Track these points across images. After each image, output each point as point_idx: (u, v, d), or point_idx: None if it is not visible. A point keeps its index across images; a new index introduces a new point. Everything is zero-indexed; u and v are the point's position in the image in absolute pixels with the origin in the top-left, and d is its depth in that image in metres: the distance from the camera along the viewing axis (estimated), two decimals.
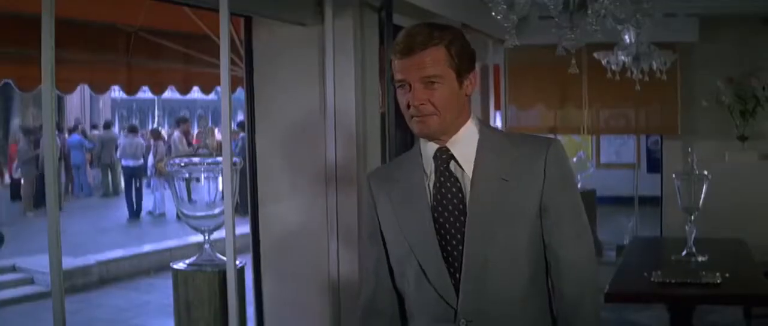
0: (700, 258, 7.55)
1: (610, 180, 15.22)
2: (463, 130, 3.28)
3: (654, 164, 15.81)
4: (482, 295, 3.20)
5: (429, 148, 3.29)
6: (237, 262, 4.91)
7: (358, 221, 6.05)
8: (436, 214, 3.24)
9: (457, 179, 3.25)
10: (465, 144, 3.28)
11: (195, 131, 24.18)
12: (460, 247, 3.21)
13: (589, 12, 4.70)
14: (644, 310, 9.61)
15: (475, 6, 4.77)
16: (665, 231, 11.79)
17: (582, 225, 3.37)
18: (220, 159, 5.03)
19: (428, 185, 3.29)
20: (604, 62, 8.19)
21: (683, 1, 9.85)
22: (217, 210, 5.28)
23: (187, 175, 5.40)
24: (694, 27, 11.10)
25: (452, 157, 3.26)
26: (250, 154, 6.28)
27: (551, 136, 12.72)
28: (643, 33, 7.67)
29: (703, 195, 7.53)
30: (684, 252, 7.64)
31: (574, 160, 13.03)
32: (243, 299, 5.17)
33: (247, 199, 6.35)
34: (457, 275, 3.22)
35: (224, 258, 4.93)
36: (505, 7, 4.46)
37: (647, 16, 6.54)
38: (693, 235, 7.65)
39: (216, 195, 5.35)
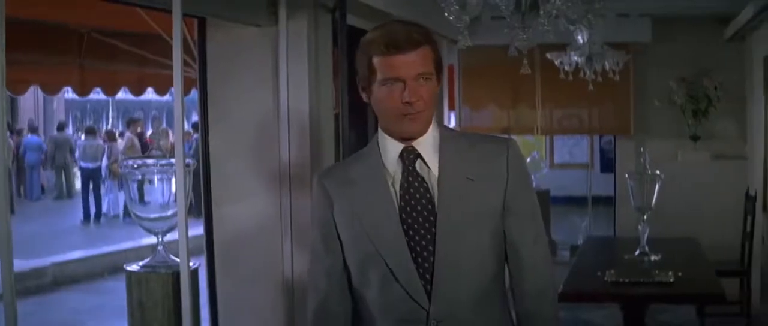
0: (653, 258, 7.61)
1: (563, 181, 15.29)
2: (429, 129, 3.26)
3: (607, 164, 15.91)
4: (454, 295, 3.20)
5: (393, 148, 3.25)
6: (191, 264, 4.88)
7: (311, 222, 6.05)
8: (404, 215, 3.20)
9: (423, 179, 3.23)
10: (429, 144, 3.26)
11: (148, 132, 24.06)
12: (430, 247, 3.19)
13: (541, 12, 4.71)
14: (598, 310, 9.66)
15: (429, 6, 4.78)
16: (619, 230, 11.86)
17: (540, 225, 3.42)
18: (173, 160, 5.00)
19: (393, 185, 3.25)
20: (557, 62, 8.23)
21: (636, 2, 9.91)
22: (170, 212, 5.24)
23: (139, 177, 5.37)
24: (647, 27, 11.17)
25: (419, 156, 3.25)
26: (204, 155, 6.25)
27: (505, 136, 12.78)
28: (596, 33, 7.72)
29: (655, 195, 7.59)
30: (637, 252, 7.70)
31: (528, 160, 13.07)
32: (197, 300, 5.14)
33: (201, 201, 6.34)
34: (427, 275, 3.19)
35: (178, 260, 4.91)
36: (457, 7, 4.47)
37: (600, 17, 6.59)
38: (646, 235, 7.71)
39: (169, 197, 5.32)
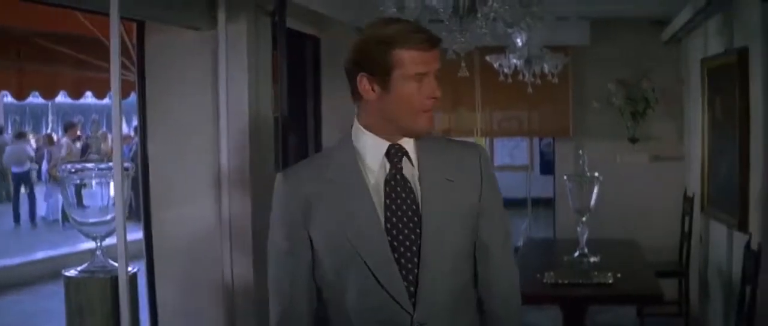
0: (592, 259, 7.67)
1: (503, 183, 15.18)
2: None
3: (547, 166, 15.99)
4: (436, 298, 3.17)
5: (377, 145, 3.19)
6: (129, 268, 4.85)
7: (251, 226, 6.04)
8: (389, 213, 3.15)
9: (407, 179, 3.20)
10: (411, 144, 3.24)
11: (85, 136, 23.88)
12: (414, 248, 3.14)
13: (479, 15, 4.73)
14: (538, 311, 9.70)
15: (367, 10, 4.79)
16: (558, 232, 11.91)
17: (509, 227, 3.47)
18: (111, 164, 4.97)
19: (376, 185, 3.19)
20: (496, 65, 8.26)
21: (575, 5, 9.96)
22: (109, 216, 5.21)
23: (78, 181, 5.33)
24: (585, 30, 11.22)
25: (406, 154, 3.22)
26: (143, 158, 6.22)
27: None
28: (535, 36, 7.76)
29: (594, 197, 7.65)
30: (576, 253, 7.75)
31: None
32: (136, 305, 5.11)
33: (141, 205, 6.30)
34: (411, 277, 3.14)
35: (116, 264, 4.87)
36: (395, 10, 4.49)
37: (538, 20, 6.62)
38: (585, 236, 7.77)
39: (108, 201, 5.28)
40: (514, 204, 14.54)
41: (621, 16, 11.12)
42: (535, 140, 16.99)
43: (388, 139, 3.19)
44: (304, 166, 3.37)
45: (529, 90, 8.20)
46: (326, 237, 3.18)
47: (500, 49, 8.27)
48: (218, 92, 6.03)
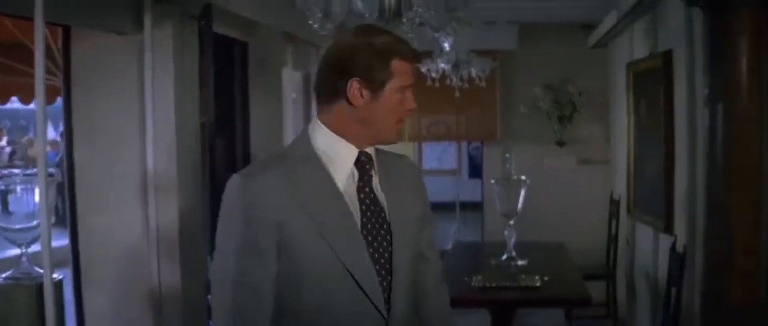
0: (520, 262, 7.70)
1: (432, 187, 15.22)
2: None
3: (475, 170, 16.04)
4: (403, 304, 3.18)
5: (348, 153, 3.12)
6: (55, 275, 4.81)
7: (179, 232, 6.01)
8: (365, 220, 3.11)
9: (373, 187, 3.19)
10: (371, 152, 3.21)
11: (4, 141, 23.62)
12: (387, 255, 3.13)
13: (405, 20, 4.74)
14: (467, 314, 9.72)
15: (297, 15, 4.78)
16: (487, 235, 11.98)
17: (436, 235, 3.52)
18: (37, 169, 4.92)
19: (346, 191, 3.11)
20: (424, 70, 8.28)
21: (502, 9, 10.02)
22: (34, 223, 5.16)
23: (3, 187, 5.28)
24: (513, 34, 11.32)
25: (372, 160, 3.20)
26: (69, 165, 6.15)
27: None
28: (463, 41, 7.79)
29: (521, 200, 7.68)
30: (504, 256, 7.79)
31: None
32: (62, 313, 5.07)
33: (67, 211, 6.24)
34: (384, 284, 3.11)
35: (41, 271, 4.83)
36: (321, 15, 4.48)
37: (465, 24, 6.64)
38: (512, 239, 7.80)
39: (34, 208, 5.24)
40: (442, 208, 14.57)
41: (548, 21, 11.21)
42: (464, 144, 17.05)
43: (357, 146, 3.12)
44: (266, 170, 3.11)
45: (457, 94, 8.23)
46: (304, 245, 3.02)
47: (428, 54, 8.30)
48: (144, 97, 5.98)
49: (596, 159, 11.64)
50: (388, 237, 3.15)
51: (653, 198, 8.00)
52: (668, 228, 7.44)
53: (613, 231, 10.05)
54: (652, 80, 7.93)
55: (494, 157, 11.52)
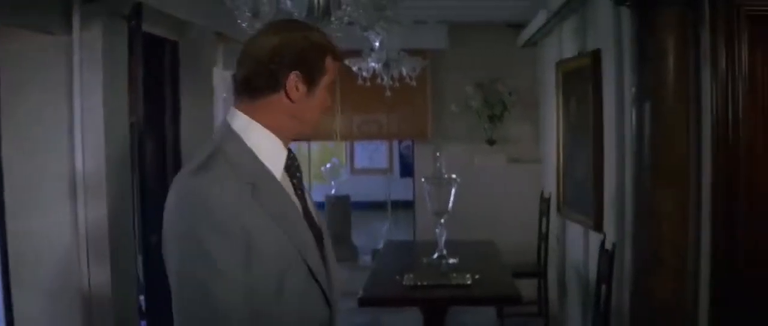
0: (451, 261, 7.72)
1: (363, 186, 15.35)
2: None
3: (407, 168, 16.06)
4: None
5: (278, 149, 3.05)
6: None
7: (108, 233, 5.96)
8: (305, 212, 3.09)
9: (302, 184, 3.18)
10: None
11: None
12: (320, 245, 3.09)
13: (333, 19, 4.74)
14: (399, 313, 9.75)
15: (228, 14, 4.76)
16: (418, 234, 11.99)
17: None
18: None
19: (288, 189, 3.07)
20: (355, 69, 8.28)
21: (433, 9, 10.04)
22: None
23: None
24: (443, 33, 11.34)
25: (296, 158, 3.17)
26: None
27: (304, 143, 12.82)
28: (393, 40, 7.80)
29: (452, 199, 7.70)
30: (435, 255, 7.80)
31: (328, 166, 13.12)
32: None
33: None
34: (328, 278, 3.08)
35: None
36: (249, 15, 4.47)
37: (395, 23, 6.65)
38: (443, 238, 7.82)
39: None
40: (374, 207, 14.61)
41: (478, 20, 11.26)
42: (395, 143, 17.08)
43: (283, 141, 3.06)
44: (219, 171, 2.88)
45: (388, 93, 8.24)
46: (271, 244, 2.88)
47: (358, 53, 8.30)
48: (73, 97, 5.92)
49: (526, 158, 11.70)
50: (320, 228, 3.13)
51: (583, 197, 8.06)
52: (598, 227, 7.50)
53: (544, 229, 10.11)
54: (581, 79, 7.99)
55: (425, 156, 11.55)
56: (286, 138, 3.07)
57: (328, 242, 3.17)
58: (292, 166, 3.10)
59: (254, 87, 3.01)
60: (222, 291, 2.76)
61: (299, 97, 3.00)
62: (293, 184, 3.10)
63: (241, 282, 2.78)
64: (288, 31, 3.05)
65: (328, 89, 3.08)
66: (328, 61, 3.04)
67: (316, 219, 3.15)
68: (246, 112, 3.02)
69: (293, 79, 2.98)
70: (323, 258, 3.08)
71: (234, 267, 2.78)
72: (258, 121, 3.02)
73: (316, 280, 2.99)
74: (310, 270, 2.97)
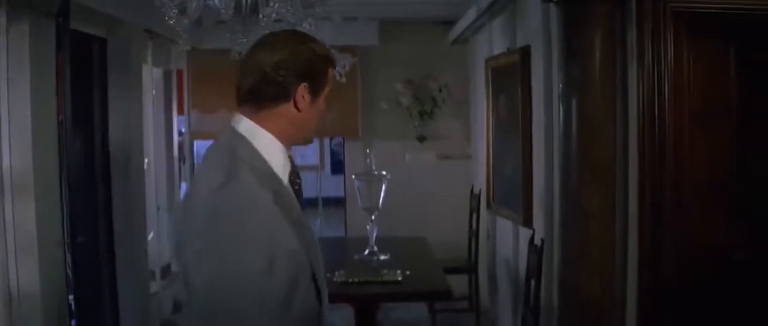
0: (382, 257, 7.73)
1: None
2: None
3: (337, 166, 16.06)
4: None
5: (282, 154, 3.15)
6: None
7: (36, 231, 5.91)
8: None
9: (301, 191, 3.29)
10: None
11: None
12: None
13: (261, 16, 4.73)
14: (331, 309, 9.72)
15: (157, 11, 4.74)
16: (349, 231, 11.99)
17: None
18: None
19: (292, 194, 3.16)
20: None
21: (363, 5, 10.03)
22: None
23: None
24: (373, 30, 11.34)
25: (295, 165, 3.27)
26: None
27: None
28: (323, 36, 7.78)
29: (382, 195, 7.71)
30: (366, 251, 7.81)
31: None
32: None
33: None
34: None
35: None
36: (176, 12, 4.45)
37: (325, 20, 6.64)
38: (374, 234, 7.83)
39: None
40: (305, 204, 14.56)
41: (409, 17, 11.28)
42: (326, 140, 17.07)
43: (286, 148, 3.16)
44: (248, 179, 2.95)
45: None
46: (292, 250, 2.93)
47: None
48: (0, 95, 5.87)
49: (457, 154, 11.75)
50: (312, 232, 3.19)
51: (512, 193, 8.11)
52: (527, 222, 7.55)
53: (474, 225, 10.16)
54: (510, 76, 8.03)
55: (356, 153, 11.54)
56: (287, 144, 3.16)
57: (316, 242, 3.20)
58: (293, 173, 3.19)
59: (261, 96, 3.08)
60: (250, 303, 2.80)
61: (305, 107, 3.10)
62: (294, 191, 3.18)
63: (264, 290, 2.81)
64: (295, 43, 3.12)
65: (326, 99, 3.20)
66: (330, 72, 3.18)
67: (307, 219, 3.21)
68: (253, 120, 3.10)
69: (301, 90, 3.08)
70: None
71: (260, 276, 2.80)
72: (267, 129, 3.10)
73: (315, 280, 3.06)
74: (313, 272, 3.04)
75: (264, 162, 3.05)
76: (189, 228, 2.97)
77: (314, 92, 3.11)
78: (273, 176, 3.05)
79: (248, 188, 2.91)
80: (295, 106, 3.08)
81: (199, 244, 2.88)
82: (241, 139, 3.06)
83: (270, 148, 3.08)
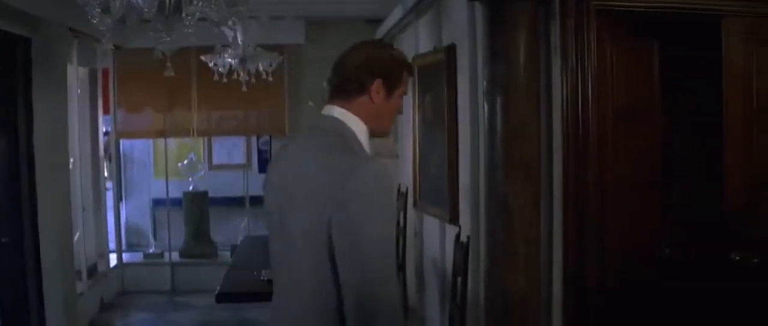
0: None
1: (221, 181, 15.25)
2: None
3: (265, 164, 16.00)
4: None
5: (365, 137, 3.77)
6: None
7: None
8: None
9: None
10: None
11: None
12: None
13: (185, 15, 4.72)
14: (259, 307, 9.73)
15: (82, 10, 4.70)
16: None
17: None
18: None
19: None
20: (211, 65, 8.23)
21: (290, 4, 10.04)
22: None
23: None
24: (300, 29, 11.37)
25: None
26: None
27: (161, 139, 12.71)
28: (250, 35, 7.78)
29: None
30: None
31: (185, 162, 13.03)
32: None
33: None
34: None
35: None
36: (98, 10, 4.43)
37: (251, 19, 6.63)
38: None
39: None
40: (232, 202, 14.51)
41: (336, 16, 11.31)
42: (254, 139, 17.02)
43: (369, 133, 3.82)
44: (362, 151, 3.70)
45: (244, 89, 8.21)
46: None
47: (210, 49, 8.26)
48: None
49: (383, 152, 11.76)
50: None
51: (439, 191, 8.14)
52: (453, 220, 7.59)
53: (402, 223, 10.19)
54: (436, 74, 8.07)
55: None
56: (370, 129, 3.79)
57: None
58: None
59: (346, 90, 3.77)
60: (390, 249, 3.53)
61: (379, 100, 3.74)
62: None
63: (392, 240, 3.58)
64: (375, 49, 3.93)
65: (401, 97, 3.82)
66: (404, 75, 3.82)
67: None
68: (344, 108, 3.77)
69: (376, 85, 3.73)
70: None
71: (392, 230, 3.61)
72: (357, 115, 3.76)
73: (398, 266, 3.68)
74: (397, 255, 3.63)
75: (359, 142, 3.71)
76: (320, 190, 3.52)
77: (388, 89, 3.75)
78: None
79: (382, 165, 3.58)
80: (371, 99, 3.72)
81: (365, 199, 3.45)
82: (339, 122, 3.74)
83: (358, 128, 3.74)
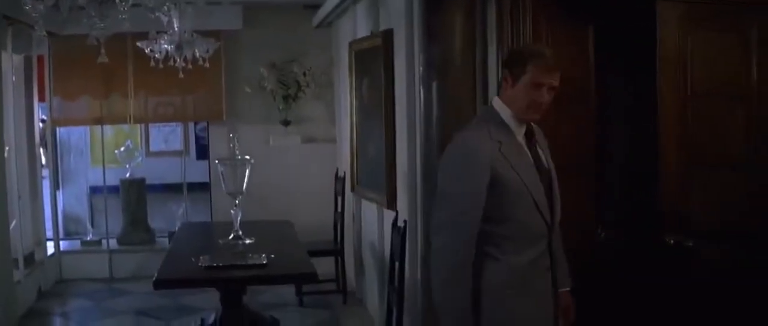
0: (247, 241, 7.73)
1: (159, 168, 15.20)
2: None
3: (202, 150, 15.96)
4: (559, 215, 4.60)
5: (515, 121, 4.47)
6: None
7: None
8: (535, 161, 4.51)
9: (535, 144, 4.61)
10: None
11: None
12: (547, 185, 4.53)
13: (118, 1, 4.70)
14: (198, 294, 9.73)
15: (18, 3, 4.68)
16: (215, 215, 11.96)
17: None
18: None
19: (522, 143, 4.51)
20: (147, 51, 8.18)
21: None
22: None
23: None
24: (237, 14, 11.31)
25: (532, 128, 4.61)
26: None
27: (98, 126, 12.63)
28: (186, 21, 7.75)
29: (246, 179, 7.71)
30: (231, 236, 7.80)
31: (122, 149, 12.95)
32: None
33: None
34: (548, 201, 4.51)
35: None
36: None
37: (188, 5, 6.61)
38: (238, 218, 7.83)
39: None
40: (171, 189, 14.46)
41: (273, 1, 11.28)
42: (191, 125, 16.96)
43: (516, 115, 4.47)
44: (478, 130, 4.46)
45: (181, 75, 8.18)
46: (509, 179, 4.35)
47: (145, 35, 8.21)
48: None
49: (322, 137, 11.81)
50: (548, 175, 4.57)
51: (376, 176, 8.17)
52: (391, 205, 7.63)
53: (340, 208, 10.23)
54: (374, 59, 8.09)
55: (220, 138, 11.52)
56: (515, 112, 4.46)
57: (555, 179, 4.61)
58: (528, 132, 4.55)
59: (499, 79, 4.80)
60: (457, 198, 4.36)
61: (508, 87, 4.46)
62: (529, 144, 4.54)
63: (472, 192, 4.34)
64: (513, 48, 5.19)
65: (535, 87, 4.37)
66: (530, 67, 4.36)
67: (545, 165, 4.59)
68: (498, 96, 4.60)
69: (506, 74, 4.48)
70: (550, 188, 4.55)
71: (470, 182, 4.34)
72: (503, 101, 4.51)
73: (535, 202, 4.41)
74: (532, 196, 4.40)
75: (502, 124, 4.45)
76: None
77: (514, 77, 4.40)
78: (504, 135, 4.41)
79: (472, 134, 4.47)
80: (506, 86, 4.46)
81: (441, 164, 4.55)
82: (492, 111, 4.52)
83: (502, 111, 4.47)
